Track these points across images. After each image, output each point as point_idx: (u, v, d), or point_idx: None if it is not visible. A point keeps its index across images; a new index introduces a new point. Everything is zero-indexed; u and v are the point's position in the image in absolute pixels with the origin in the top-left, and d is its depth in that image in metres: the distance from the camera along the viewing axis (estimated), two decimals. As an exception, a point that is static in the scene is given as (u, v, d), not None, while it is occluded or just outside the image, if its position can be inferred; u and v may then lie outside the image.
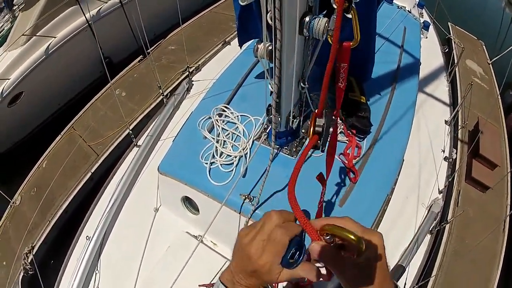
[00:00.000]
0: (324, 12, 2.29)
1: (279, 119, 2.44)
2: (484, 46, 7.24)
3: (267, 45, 2.14)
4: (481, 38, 7.63)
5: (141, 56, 5.45)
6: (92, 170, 4.13)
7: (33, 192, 4.17)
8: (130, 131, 3.50)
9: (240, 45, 3.20)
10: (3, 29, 7.33)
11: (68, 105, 6.12)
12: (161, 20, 6.79)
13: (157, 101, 4.66)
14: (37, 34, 5.53)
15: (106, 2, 6.04)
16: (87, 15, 5.42)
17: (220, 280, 0.78)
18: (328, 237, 0.70)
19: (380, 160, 2.80)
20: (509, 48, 7.31)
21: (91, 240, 2.89)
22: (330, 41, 1.67)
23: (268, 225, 0.74)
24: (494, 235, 3.84)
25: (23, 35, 5.39)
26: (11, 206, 4.01)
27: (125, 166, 3.41)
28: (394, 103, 3.19)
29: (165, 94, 3.95)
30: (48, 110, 6.02)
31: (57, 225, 3.84)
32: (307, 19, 1.88)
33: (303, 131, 2.68)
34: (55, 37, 5.66)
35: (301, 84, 2.31)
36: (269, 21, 1.76)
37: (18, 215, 3.98)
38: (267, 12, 1.73)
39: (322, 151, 1.79)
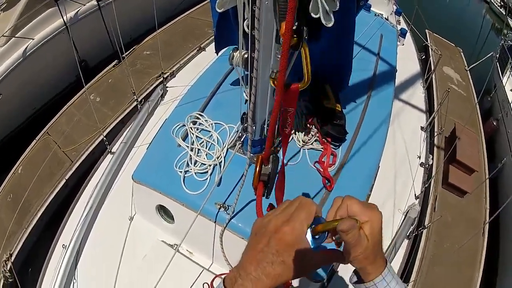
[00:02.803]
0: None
1: (254, 127, 2.42)
2: (462, 53, 7.39)
3: (243, 53, 2.13)
4: (460, 44, 7.79)
5: (116, 60, 5.40)
6: (67, 177, 4.07)
7: (9, 199, 4.11)
8: (104, 138, 3.44)
9: (217, 52, 3.18)
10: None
11: (44, 108, 6.01)
12: (137, 24, 6.74)
13: (131, 107, 4.62)
14: (16, 36, 5.43)
15: (84, 5, 5.96)
16: (65, 17, 5.33)
17: (222, 279, 0.72)
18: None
19: (356, 167, 2.81)
20: (488, 55, 7.50)
21: (67, 249, 2.83)
22: (273, 85, 1.59)
23: (290, 207, 0.74)
24: (474, 238, 3.92)
25: (3, 35, 5.29)
26: None
27: (99, 173, 3.35)
28: (370, 110, 3.21)
29: (139, 100, 3.90)
30: (24, 113, 5.89)
31: (33, 233, 3.80)
32: (284, 27, 1.87)
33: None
34: (33, 39, 5.57)
35: (276, 92, 2.30)
36: (246, 29, 1.73)
37: (-4, 222, 3.93)
38: (244, 20, 1.71)
39: (267, 197, 1.75)
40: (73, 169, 4.09)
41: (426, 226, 3.79)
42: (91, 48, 6.17)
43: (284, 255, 0.67)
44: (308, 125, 2.81)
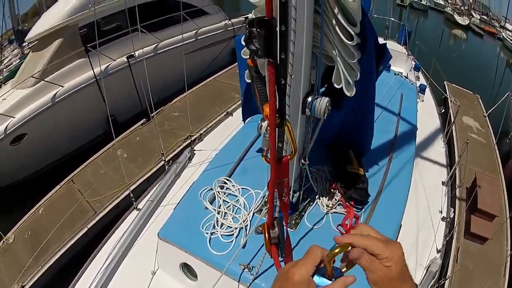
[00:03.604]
0: (325, 87, 2.40)
1: (279, 193, 2.49)
2: (480, 100, 7.40)
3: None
4: (478, 87, 7.83)
5: (144, 119, 5.58)
6: (89, 226, 4.18)
7: (27, 235, 4.25)
8: (131, 194, 3.54)
9: (244, 120, 3.30)
10: (11, 63, 7.51)
11: (70, 156, 6.18)
12: (166, 84, 6.92)
13: (158, 166, 4.76)
14: (46, 80, 5.65)
15: (115, 60, 6.20)
16: (95, 70, 5.57)
17: None
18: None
19: (378, 227, 2.80)
20: (504, 97, 7.49)
21: None
22: (266, 161, 1.72)
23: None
24: (494, 281, 3.87)
25: (32, 76, 5.51)
26: (3, 242, 4.12)
27: (124, 227, 3.42)
28: (391, 172, 3.24)
29: (166, 160, 4.01)
30: (49, 157, 6.07)
31: (49, 272, 3.90)
32: (309, 99, 1.97)
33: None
34: (62, 86, 5.79)
35: (302, 160, 2.38)
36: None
37: (10, 252, 4.07)
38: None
39: (282, 257, 1.86)
40: (96, 219, 4.20)
41: (448, 277, 3.72)
42: (119, 104, 6.31)
43: None
44: (332, 190, 2.86)
